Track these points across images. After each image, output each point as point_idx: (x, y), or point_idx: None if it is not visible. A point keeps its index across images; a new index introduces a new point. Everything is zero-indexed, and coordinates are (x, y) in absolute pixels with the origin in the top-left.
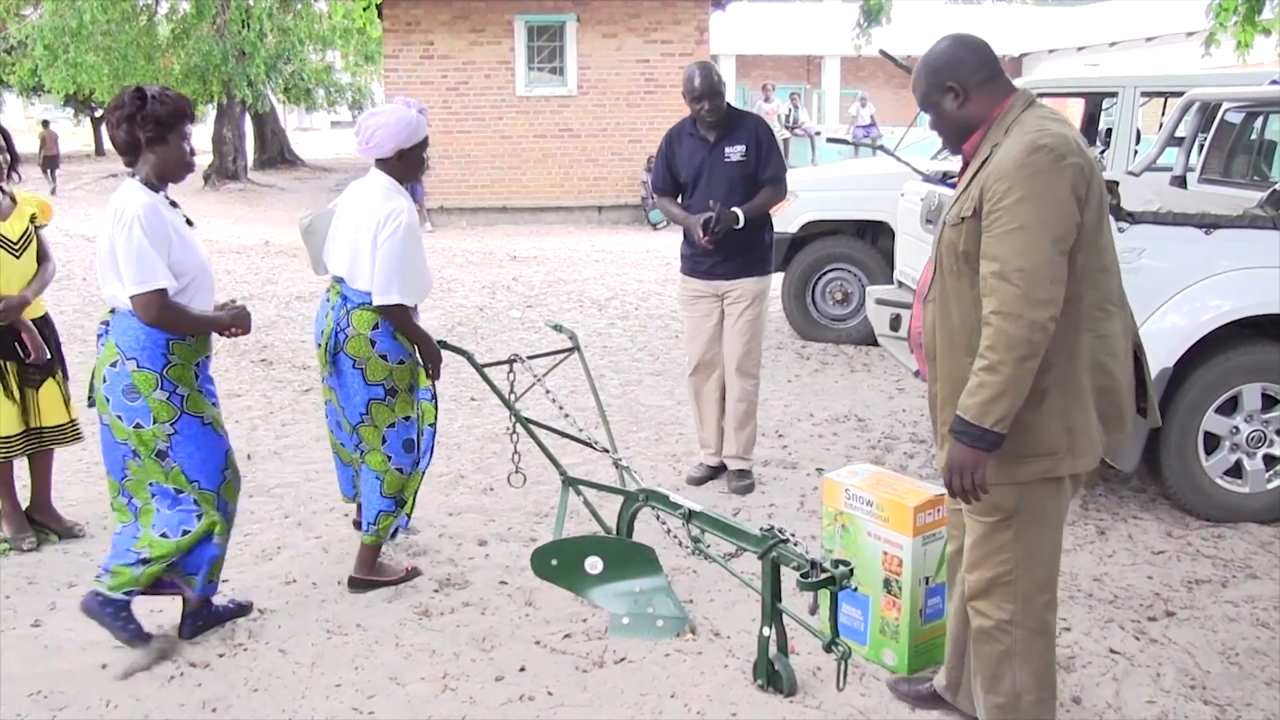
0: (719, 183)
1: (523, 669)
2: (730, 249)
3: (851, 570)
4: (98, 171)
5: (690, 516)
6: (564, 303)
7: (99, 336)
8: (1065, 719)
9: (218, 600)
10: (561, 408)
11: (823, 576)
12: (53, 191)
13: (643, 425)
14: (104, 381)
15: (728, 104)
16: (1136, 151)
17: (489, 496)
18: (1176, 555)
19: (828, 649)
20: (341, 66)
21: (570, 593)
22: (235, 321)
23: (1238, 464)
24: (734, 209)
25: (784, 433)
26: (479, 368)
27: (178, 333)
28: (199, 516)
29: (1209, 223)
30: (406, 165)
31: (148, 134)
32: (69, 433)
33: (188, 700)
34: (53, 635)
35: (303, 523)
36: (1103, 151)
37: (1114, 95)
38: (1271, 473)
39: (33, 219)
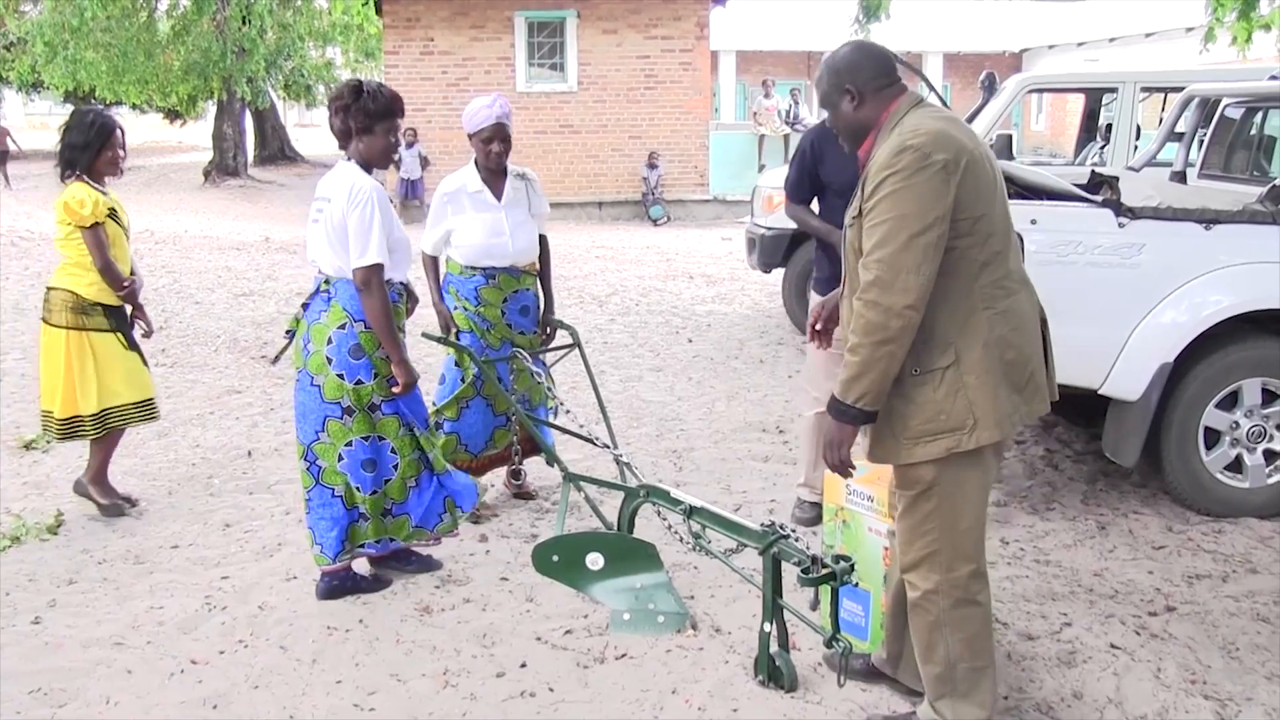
0: None
1: (524, 665)
2: None
3: (852, 566)
4: None
5: (691, 513)
6: (564, 299)
7: (304, 306)
8: (1067, 714)
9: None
10: (562, 403)
11: (824, 572)
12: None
13: (644, 421)
14: (328, 343)
15: None
16: (1137, 147)
17: (490, 493)
18: (1177, 550)
19: (829, 644)
20: (341, 63)
21: (571, 589)
22: (404, 375)
23: (1238, 459)
24: None
25: (784, 428)
26: (479, 363)
27: (374, 310)
28: (396, 466)
29: (1209, 218)
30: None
31: (358, 124)
32: (151, 411)
33: (188, 697)
34: (53, 632)
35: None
36: (1103, 147)
37: (1114, 91)
38: (1272, 468)
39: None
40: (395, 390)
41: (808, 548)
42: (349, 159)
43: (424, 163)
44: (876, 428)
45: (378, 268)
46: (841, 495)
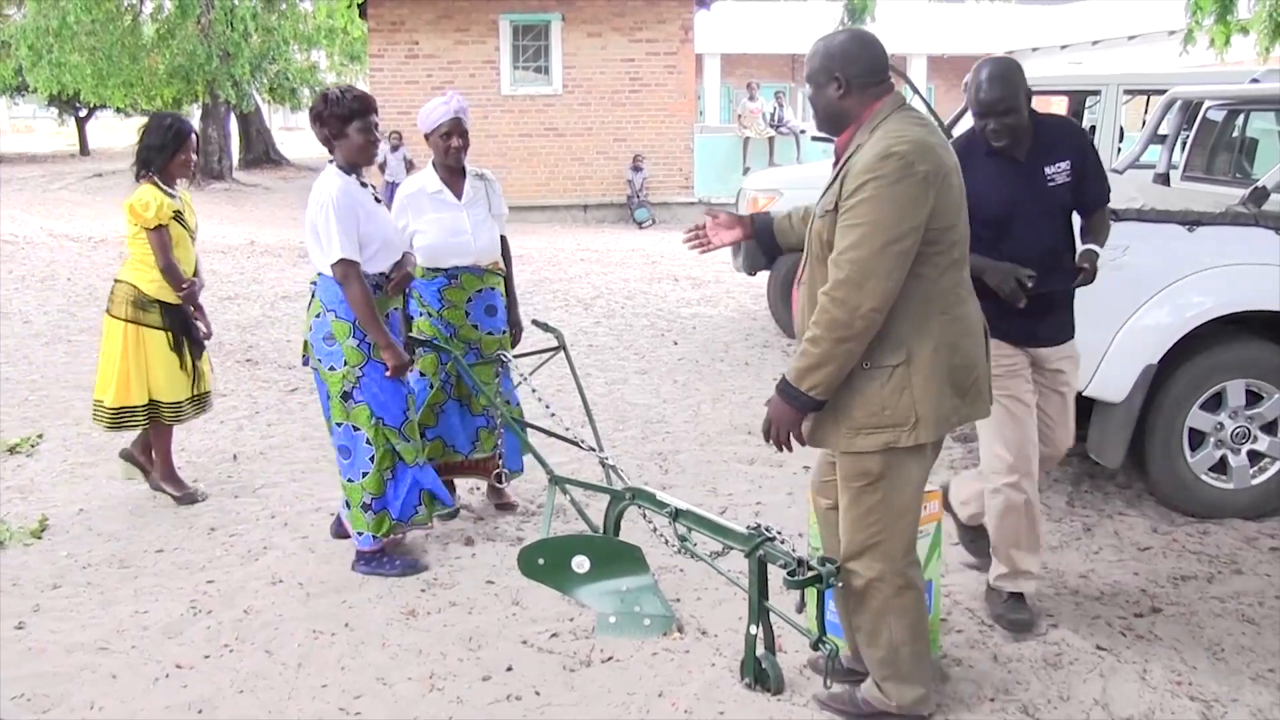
0: (1046, 215)
1: (510, 669)
2: (1052, 302)
3: (838, 568)
4: (82, 171)
5: (677, 515)
6: (549, 301)
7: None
8: (1052, 715)
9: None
10: (548, 406)
11: (810, 574)
12: None
13: (629, 424)
14: (309, 330)
15: (1031, 110)
16: (1120, 149)
17: (475, 495)
18: (1163, 552)
19: (815, 646)
20: (326, 66)
21: (557, 592)
22: (391, 358)
23: (1223, 460)
24: (1090, 246)
25: None
26: (464, 366)
27: (352, 300)
28: (372, 459)
29: (1192, 220)
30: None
31: (332, 129)
32: (207, 401)
33: (173, 702)
34: (37, 637)
35: (289, 523)
36: None
37: (1097, 94)
38: (1256, 468)
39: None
40: (386, 374)
41: (793, 550)
42: (332, 162)
43: (409, 166)
44: (820, 413)
45: (345, 262)
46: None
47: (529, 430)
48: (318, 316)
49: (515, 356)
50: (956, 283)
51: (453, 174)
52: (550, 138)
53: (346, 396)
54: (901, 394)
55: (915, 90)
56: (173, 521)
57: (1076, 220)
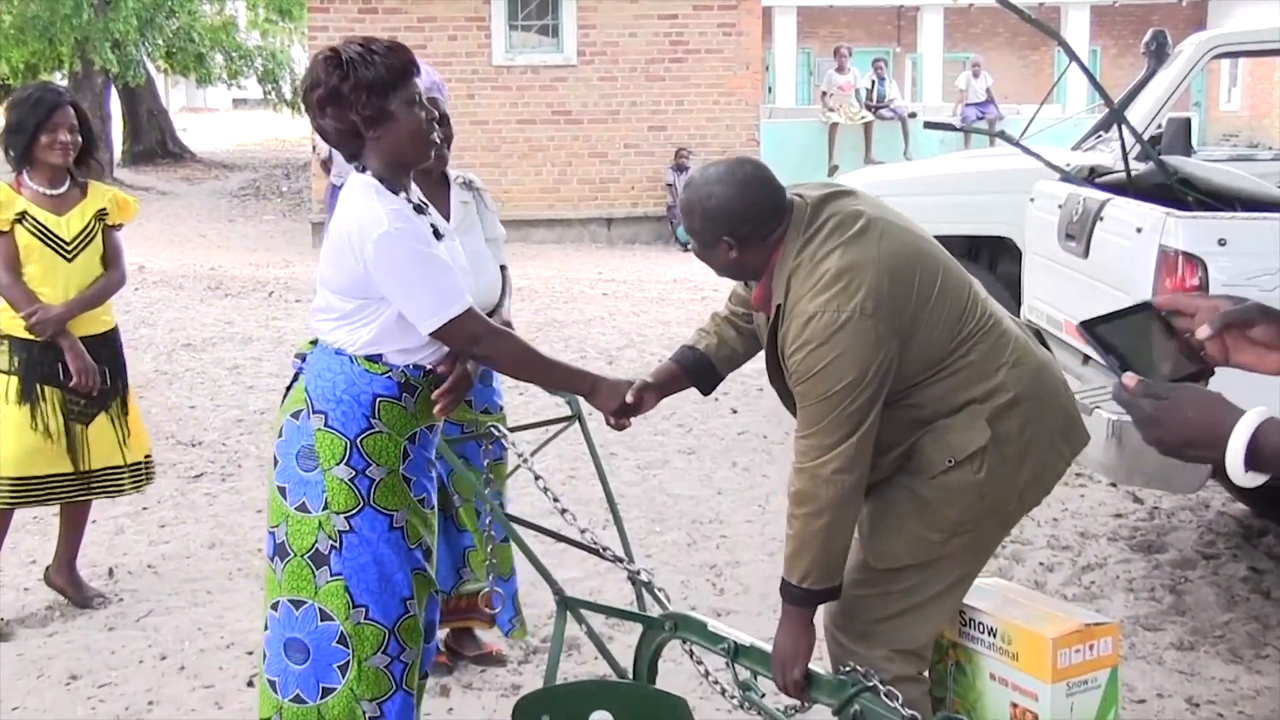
0: None
1: None
2: None
3: None
4: None
5: (737, 653)
6: (560, 351)
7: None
8: None
9: None
10: (556, 500)
11: None
12: None
13: (669, 524)
14: (279, 435)
15: None
16: None
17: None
18: None
19: None
20: (247, 23)
21: None
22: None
23: None
24: None
25: None
26: (442, 442)
27: (509, 359)
28: (343, 668)
29: None
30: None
31: (366, 112)
32: (122, 480)
33: None
34: None
35: (186, 666)
36: None
37: None
38: None
39: (101, 215)
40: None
41: (904, 704)
42: (362, 169)
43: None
44: (894, 523)
45: (464, 314)
46: (955, 627)
47: (529, 532)
48: (296, 416)
49: (513, 430)
50: (989, 324)
51: (432, 182)
52: (560, 125)
53: (319, 560)
54: (999, 474)
55: (1073, 56)
56: (15, 667)
57: None
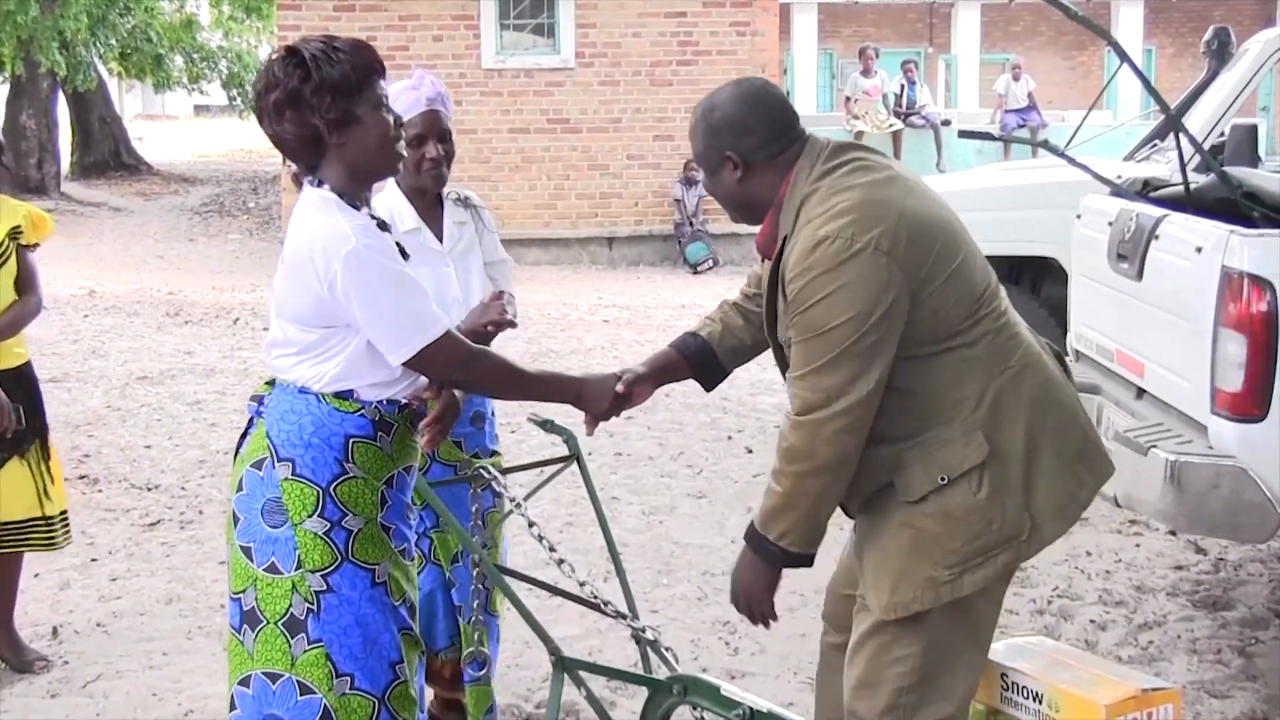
0: None
1: None
2: None
3: None
4: None
5: (754, 719)
6: None
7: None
8: None
9: None
10: (553, 549)
11: None
12: None
13: (678, 576)
14: (239, 490)
15: None
16: None
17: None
18: None
19: None
20: (210, 22)
21: None
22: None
23: None
24: None
25: None
26: (426, 486)
27: (487, 382)
28: None
29: None
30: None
31: (330, 116)
32: (39, 534)
33: None
34: None
35: None
36: None
37: None
38: None
39: (15, 233)
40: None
41: None
42: (318, 183)
43: None
44: (897, 567)
45: (439, 339)
46: (996, 691)
47: (522, 585)
48: (258, 466)
49: (506, 472)
50: (1001, 324)
51: (427, 201)
52: (557, 134)
53: (294, 627)
54: (1005, 495)
55: (1124, 57)
56: None
57: None
